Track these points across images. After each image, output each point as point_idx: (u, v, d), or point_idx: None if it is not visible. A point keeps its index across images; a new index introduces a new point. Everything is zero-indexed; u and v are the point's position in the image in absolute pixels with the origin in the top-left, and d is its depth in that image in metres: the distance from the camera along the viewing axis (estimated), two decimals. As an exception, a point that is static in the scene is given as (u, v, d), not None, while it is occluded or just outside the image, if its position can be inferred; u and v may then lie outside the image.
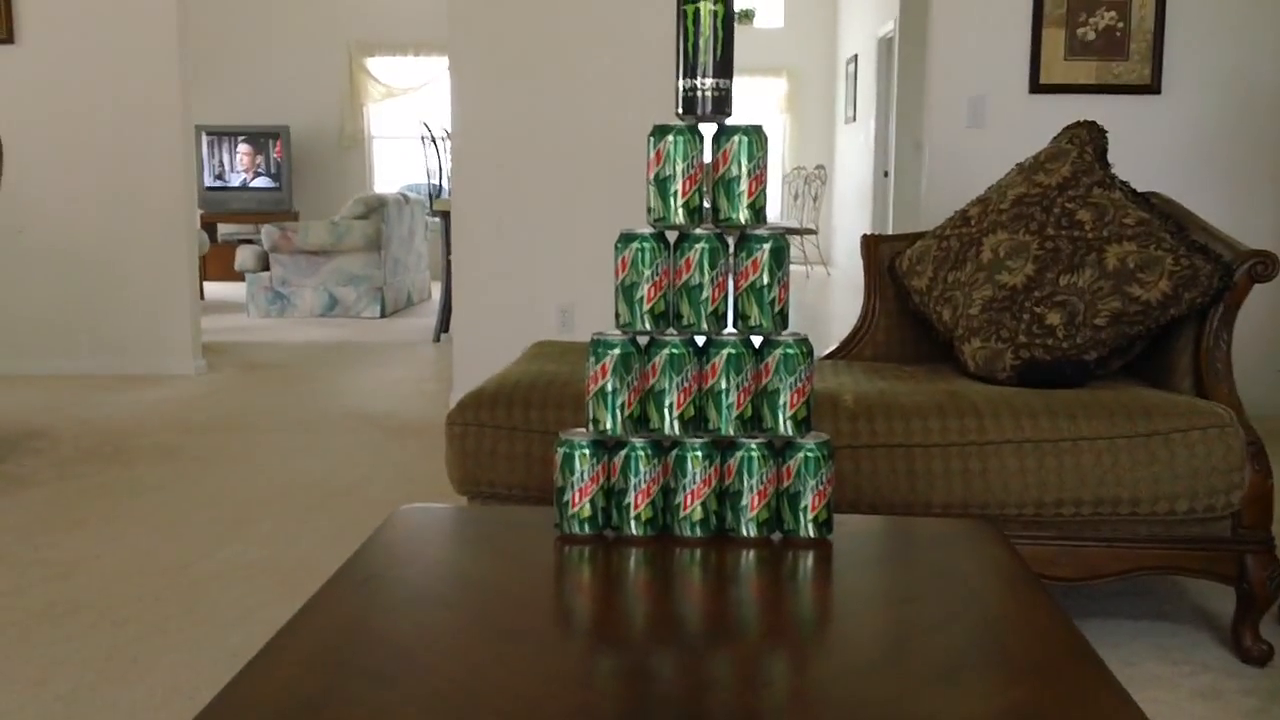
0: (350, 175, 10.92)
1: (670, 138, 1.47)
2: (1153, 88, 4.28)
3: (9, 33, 5.07)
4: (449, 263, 5.56)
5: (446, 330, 6.32)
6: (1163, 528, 2.15)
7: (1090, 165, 2.53)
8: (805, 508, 1.46)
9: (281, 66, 10.67)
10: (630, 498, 1.47)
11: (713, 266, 1.47)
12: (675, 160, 1.47)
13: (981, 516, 2.08)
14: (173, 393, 4.86)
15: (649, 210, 1.50)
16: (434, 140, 7.12)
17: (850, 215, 10.57)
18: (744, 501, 1.47)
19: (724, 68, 1.47)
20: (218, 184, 10.25)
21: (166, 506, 3.19)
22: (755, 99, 11.51)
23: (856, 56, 10.33)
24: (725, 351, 1.47)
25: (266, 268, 7.74)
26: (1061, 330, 2.33)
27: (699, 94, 1.47)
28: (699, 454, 1.47)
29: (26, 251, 5.20)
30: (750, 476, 1.46)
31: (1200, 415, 2.14)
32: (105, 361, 5.26)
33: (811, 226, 10.38)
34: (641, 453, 1.47)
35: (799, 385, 1.47)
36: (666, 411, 1.47)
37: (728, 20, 1.47)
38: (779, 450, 1.49)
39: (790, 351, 1.47)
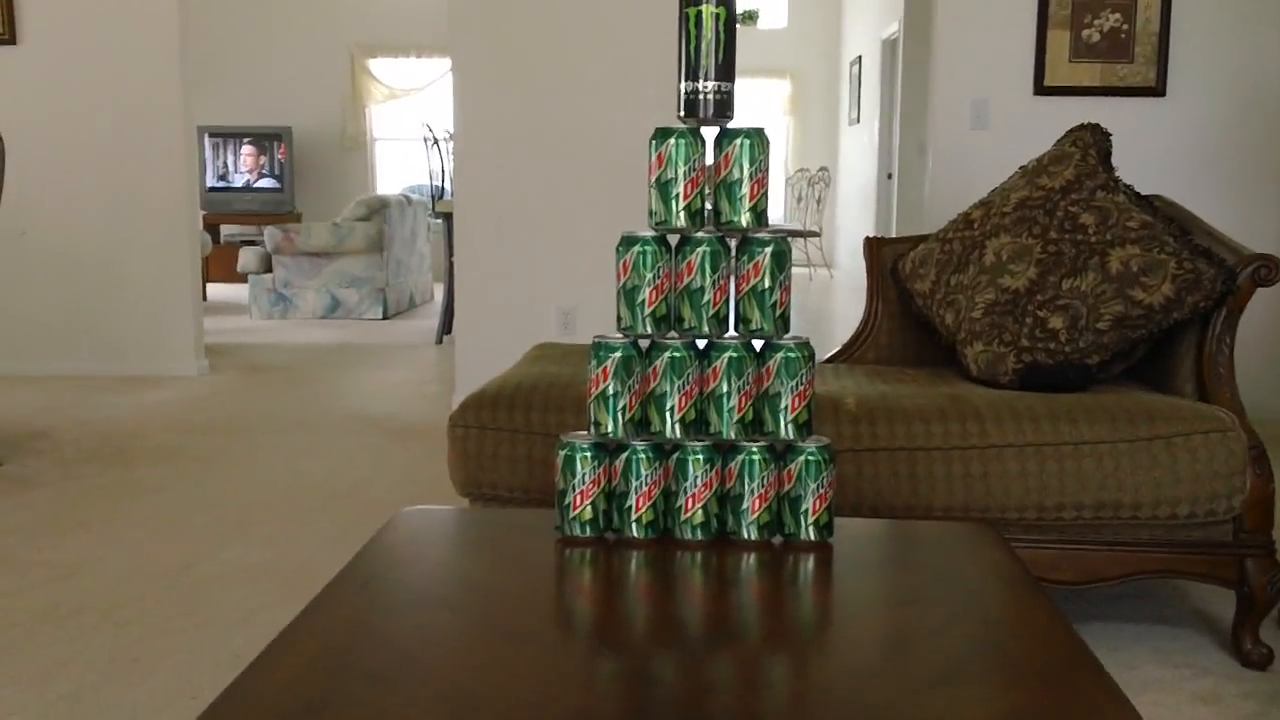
0: (352, 177, 10.93)
1: (672, 141, 1.47)
2: (1157, 90, 4.28)
3: (10, 33, 5.08)
4: (451, 264, 5.57)
5: (449, 332, 6.32)
6: (1164, 532, 2.15)
7: (1094, 168, 2.53)
8: (806, 511, 1.47)
9: (284, 68, 10.69)
10: (631, 500, 1.47)
11: (714, 270, 1.47)
12: (677, 163, 1.47)
13: (982, 520, 2.08)
14: (175, 394, 4.87)
15: (651, 213, 1.50)
16: (436, 142, 7.12)
17: (853, 217, 10.57)
18: (745, 505, 1.47)
19: (726, 70, 1.47)
20: (221, 185, 10.26)
21: (168, 508, 3.20)
22: (759, 100, 11.52)
23: (860, 58, 10.32)
24: (727, 355, 1.47)
25: (269, 269, 7.75)
26: (1064, 334, 2.33)
27: (701, 97, 1.47)
28: (700, 457, 1.47)
29: (28, 252, 5.21)
30: (751, 480, 1.47)
31: (1202, 419, 2.14)
32: (107, 363, 5.26)
33: (815, 229, 10.37)
34: (643, 456, 1.47)
35: (800, 389, 1.47)
36: (668, 414, 1.47)
37: (730, 23, 1.47)
38: (780, 454, 1.49)
39: (791, 355, 1.47)
